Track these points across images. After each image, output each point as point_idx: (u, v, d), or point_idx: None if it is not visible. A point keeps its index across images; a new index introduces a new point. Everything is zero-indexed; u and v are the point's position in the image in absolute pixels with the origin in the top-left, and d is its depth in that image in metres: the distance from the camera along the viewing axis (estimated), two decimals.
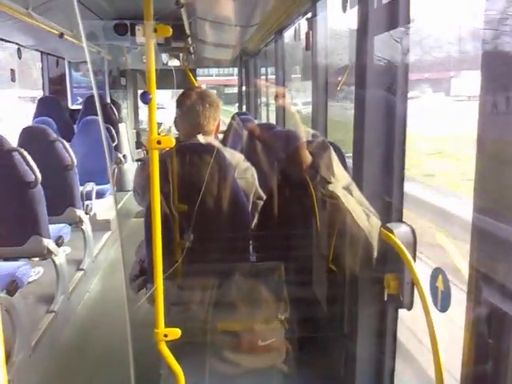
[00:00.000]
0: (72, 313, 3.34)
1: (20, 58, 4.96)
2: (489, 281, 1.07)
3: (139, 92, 7.22)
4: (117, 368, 1.68)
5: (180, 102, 2.20)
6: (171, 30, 1.30)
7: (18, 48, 4.91)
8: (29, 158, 2.88)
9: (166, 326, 1.39)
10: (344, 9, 2.22)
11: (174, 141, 1.35)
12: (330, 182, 1.66)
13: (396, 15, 1.54)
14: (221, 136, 3.71)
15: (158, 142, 1.31)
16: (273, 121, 5.26)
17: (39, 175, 2.87)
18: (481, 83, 1.10)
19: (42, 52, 6.05)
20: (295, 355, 1.88)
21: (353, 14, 1.83)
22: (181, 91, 2.27)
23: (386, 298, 1.65)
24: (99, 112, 1.78)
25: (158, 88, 1.35)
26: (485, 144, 1.10)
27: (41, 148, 3.50)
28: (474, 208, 1.12)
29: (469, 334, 1.14)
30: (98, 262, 4.19)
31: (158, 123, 8.32)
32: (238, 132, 3.25)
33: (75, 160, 3.72)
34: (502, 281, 1.03)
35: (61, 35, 4.07)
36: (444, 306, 1.41)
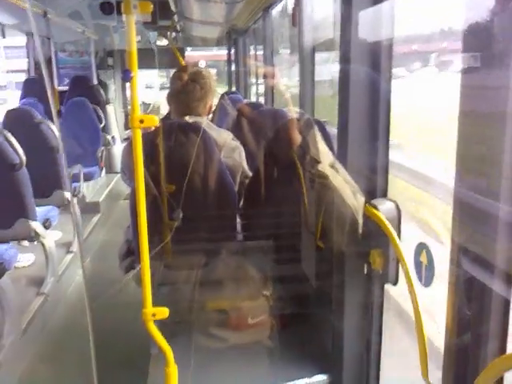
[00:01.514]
0: (62, 295, 3.34)
1: (4, 37, 4.88)
2: (469, 254, 1.08)
3: None
4: (107, 349, 1.69)
5: (173, 81, 2.17)
6: (156, 7, 1.28)
7: (1, 27, 4.83)
8: (13, 140, 2.85)
9: (155, 305, 1.40)
10: None
11: (157, 120, 1.34)
12: (319, 162, 1.66)
13: None
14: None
15: (141, 121, 1.30)
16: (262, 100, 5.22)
17: (24, 157, 2.84)
18: (462, 56, 1.10)
19: (26, 32, 5.95)
20: (283, 331, 1.90)
21: None
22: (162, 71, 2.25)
23: (371, 274, 1.66)
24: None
25: (141, 68, 1.33)
26: (467, 118, 1.10)
27: (26, 130, 3.46)
28: (455, 183, 1.12)
29: (450, 307, 1.16)
30: (88, 244, 4.18)
31: (147, 104, 8.24)
32: (226, 110, 3.24)
33: (61, 142, 3.69)
34: (482, 254, 1.05)
35: (44, 14, 3.99)
36: (428, 281, 1.43)
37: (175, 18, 4.68)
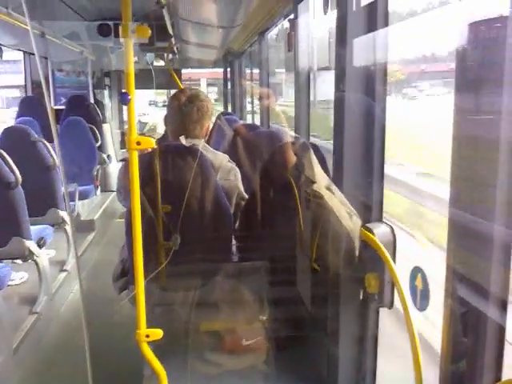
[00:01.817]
0: (55, 314, 3.32)
1: (1, 57, 4.91)
2: (465, 281, 1.09)
3: None
4: (100, 369, 1.67)
5: (170, 102, 2.19)
6: (153, 30, 1.30)
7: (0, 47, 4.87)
8: (8, 158, 2.86)
9: (150, 326, 1.39)
10: (325, 11, 2.23)
11: (154, 142, 1.35)
12: (314, 182, 1.67)
13: (374, 17, 1.56)
14: None
15: (138, 143, 1.31)
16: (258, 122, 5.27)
17: (19, 176, 2.85)
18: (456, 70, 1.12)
19: (24, 52, 5.99)
20: (278, 355, 1.89)
21: (334, 15, 1.84)
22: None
23: (367, 298, 1.66)
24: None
25: (138, 88, 1.35)
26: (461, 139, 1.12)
27: (22, 148, 3.48)
28: (450, 209, 1.13)
29: (446, 333, 1.16)
30: (83, 263, 4.16)
31: (143, 123, 8.29)
32: (222, 131, 3.25)
33: (57, 160, 3.70)
34: (477, 281, 1.06)
35: (42, 34, 4.04)
36: (423, 305, 1.43)
37: (172, 40, 4.73)
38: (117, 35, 4.40)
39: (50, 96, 4.70)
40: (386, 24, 1.56)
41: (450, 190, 1.14)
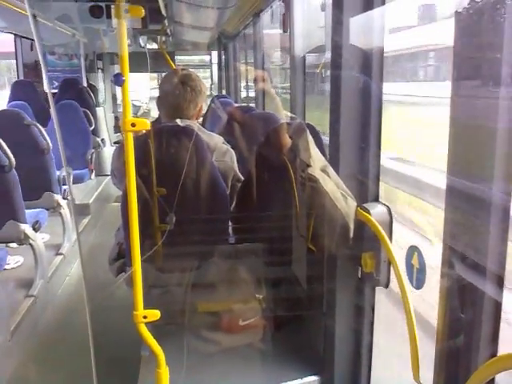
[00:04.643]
0: (52, 297, 3.32)
1: None
2: (461, 257, 1.09)
3: None
4: (98, 351, 1.68)
5: (162, 84, 2.19)
6: (146, 12, 1.28)
7: None
8: (1, 142, 2.84)
9: (146, 307, 1.39)
10: None
11: (149, 123, 1.34)
12: (309, 165, 1.67)
13: None
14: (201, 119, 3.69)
15: (133, 125, 1.30)
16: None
17: (13, 159, 2.83)
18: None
19: (15, 35, 5.92)
20: (275, 334, 1.90)
21: None
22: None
23: (363, 277, 1.67)
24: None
25: (132, 71, 1.33)
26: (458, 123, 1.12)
27: (15, 132, 3.45)
28: (447, 185, 1.14)
29: (442, 309, 1.17)
30: (78, 246, 4.16)
31: (137, 106, 8.23)
32: (217, 114, 3.24)
33: (51, 144, 3.67)
34: (474, 257, 1.06)
35: (33, 17, 3.97)
36: (419, 284, 1.44)
37: (165, 22, 4.68)
38: (109, 16, 4.33)
39: (46, 79, 4.66)
40: (383, 2, 1.55)
41: (446, 168, 1.14)
